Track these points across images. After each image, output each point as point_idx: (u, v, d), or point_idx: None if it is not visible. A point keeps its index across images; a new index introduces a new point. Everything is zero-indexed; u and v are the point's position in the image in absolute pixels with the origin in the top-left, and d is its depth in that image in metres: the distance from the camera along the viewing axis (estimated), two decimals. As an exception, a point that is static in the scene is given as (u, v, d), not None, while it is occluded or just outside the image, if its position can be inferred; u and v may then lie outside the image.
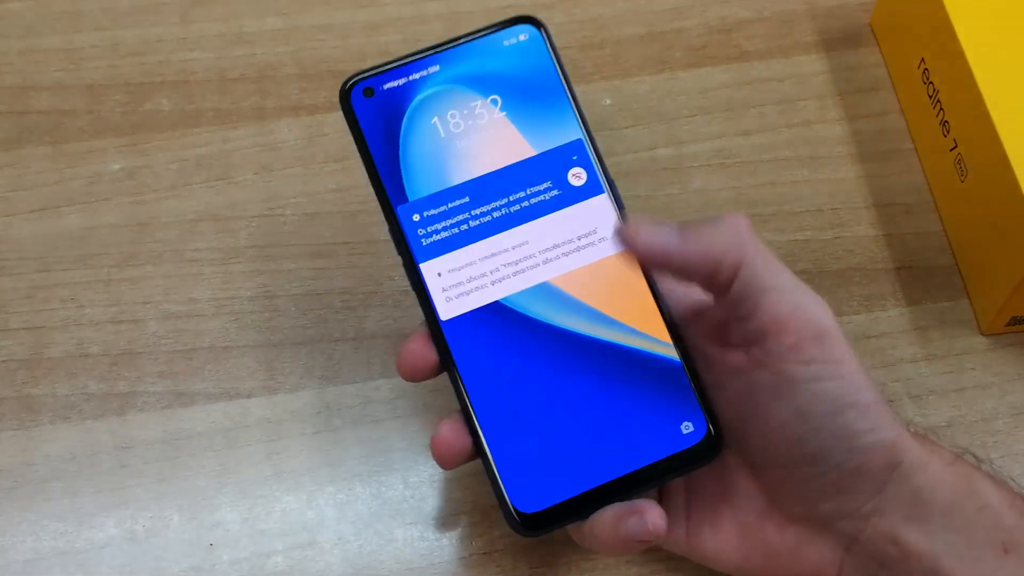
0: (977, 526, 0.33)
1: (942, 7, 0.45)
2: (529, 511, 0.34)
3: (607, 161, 0.50)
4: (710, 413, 0.35)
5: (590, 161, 0.37)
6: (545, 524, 0.34)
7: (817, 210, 0.48)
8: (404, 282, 0.46)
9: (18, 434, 0.43)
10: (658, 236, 0.34)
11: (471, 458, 0.35)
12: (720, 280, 0.34)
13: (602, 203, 0.37)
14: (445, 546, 0.41)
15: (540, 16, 0.54)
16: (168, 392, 0.44)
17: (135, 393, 0.44)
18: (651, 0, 0.55)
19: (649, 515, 0.33)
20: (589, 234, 0.36)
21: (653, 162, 0.50)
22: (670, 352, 0.36)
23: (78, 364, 0.45)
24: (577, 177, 0.37)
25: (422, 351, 0.36)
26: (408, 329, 0.45)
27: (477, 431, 0.35)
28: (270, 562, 0.41)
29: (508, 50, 0.37)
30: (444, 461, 0.35)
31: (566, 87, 0.37)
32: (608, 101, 0.52)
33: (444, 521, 0.41)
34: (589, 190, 0.37)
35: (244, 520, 0.42)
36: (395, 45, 0.53)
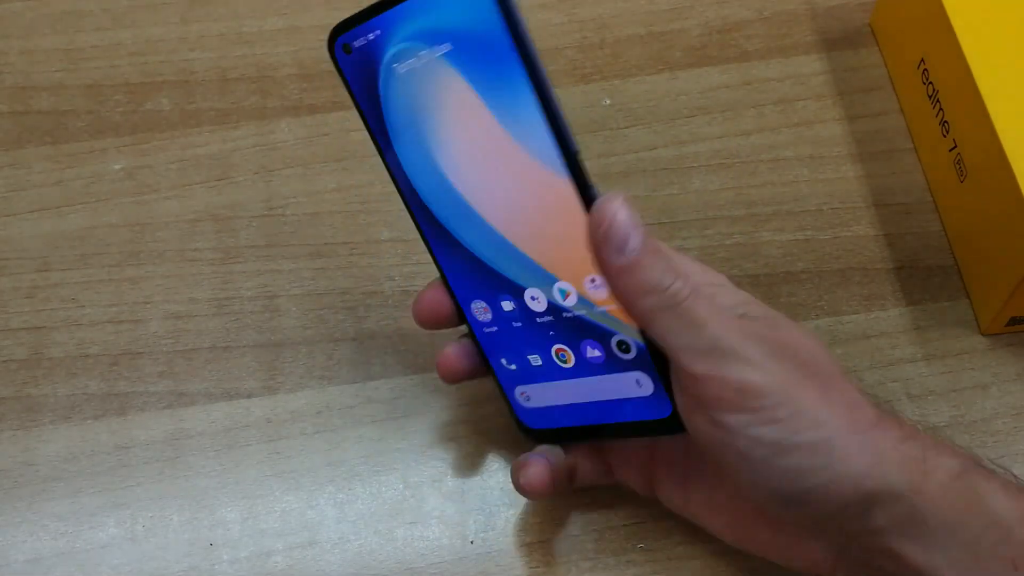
0: (984, 542, 0.32)
1: (941, 7, 0.45)
2: (531, 426, 0.39)
3: (608, 160, 0.50)
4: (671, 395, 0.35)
5: (549, 137, 0.33)
6: (542, 436, 0.39)
7: (817, 210, 0.49)
8: (404, 282, 0.46)
9: (19, 434, 0.44)
10: (610, 243, 0.32)
11: (471, 376, 0.39)
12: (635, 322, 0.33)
13: (566, 186, 0.33)
14: (445, 546, 0.41)
15: (540, 16, 0.54)
16: (168, 392, 0.44)
17: (135, 393, 0.44)
18: (651, 0, 0.55)
19: (527, 470, 0.37)
20: (558, 215, 0.34)
21: (653, 162, 0.50)
22: (637, 337, 0.35)
23: (78, 364, 0.45)
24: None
25: (439, 298, 0.38)
26: (408, 327, 0.45)
27: (486, 359, 0.39)
28: (270, 562, 0.41)
29: (462, 4, 0.33)
30: (449, 376, 0.39)
31: (520, 50, 0.33)
32: (608, 101, 0.52)
33: (444, 521, 0.42)
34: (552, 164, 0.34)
35: (244, 520, 0.42)
36: (395, 45, 0.53)
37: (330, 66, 0.53)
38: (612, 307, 0.35)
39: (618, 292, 0.32)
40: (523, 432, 0.40)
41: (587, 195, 0.33)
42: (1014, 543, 0.32)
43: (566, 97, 0.52)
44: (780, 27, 0.54)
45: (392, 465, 0.43)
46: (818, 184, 0.49)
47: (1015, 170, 0.41)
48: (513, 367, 0.38)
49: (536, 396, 0.39)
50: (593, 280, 0.35)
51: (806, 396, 0.32)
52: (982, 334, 0.45)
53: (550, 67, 0.53)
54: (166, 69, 0.53)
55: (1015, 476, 0.34)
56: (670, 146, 0.50)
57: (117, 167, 0.50)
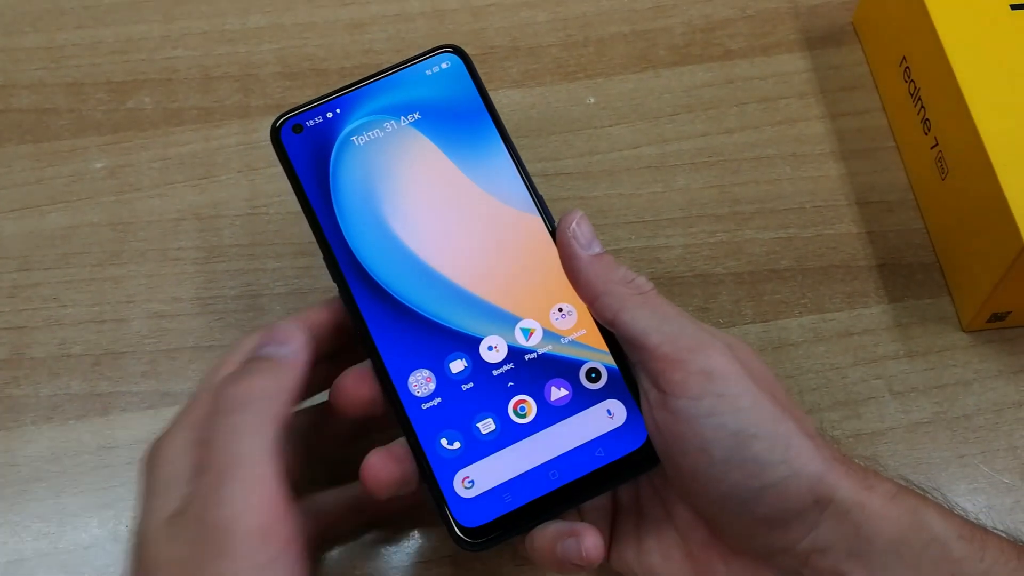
0: (924, 560, 0.32)
1: (923, 6, 0.46)
2: (472, 525, 0.34)
3: (592, 159, 0.50)
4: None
5: (519, 181, 0.37)
6: (489, 536, 0.34)
7: (800, 208, 0.49)
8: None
9: (0, 435, 0.43)
10: (578, 240, 0.35)
11: (404, 484, 0.35)
12: (601, 318, 0.35)
13: (534, 221, 0.37)
14: (434, 544, 0.41)
15: (524, 14, 0.54)
16: (152, 392, 0.44)
17: (118, 393, 0.44)
18: (634, -2, 0.55)
19: (586, 540, 0.33)
20: (522, 252, 0.37)
21: (637, 160, 0.50)
22: (608, 360, 0.36)
23: (60, 364, 0.45)
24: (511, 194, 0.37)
25: (361, 381, 0.36)
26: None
27: (421, 451, 0.34)
28: (255, 561, 0.41)
29: (431, 79, 0.38)
30: (379, 487, 0.34)
31: (488, 110, 0.37)
32: (592, 99, 0.52)
33: (431, 518, 0.41)
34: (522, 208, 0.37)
35: (229, 520, 0.41)
36: (379, 43, 0.53)
37: (314, 64, 0.53)
38: (580, 333, 0.36)
39: (589, 280, 0.35)
40: (463, 543, 0.34)
41: (552, 227, 0.37)
42: (951, 560, 0.32)
43: (550, 95, 0.52)
44: (763, 25, 0.54)
45: (377, 464, 0.43)
46: (801, 182, 0.49)
47: (996, 168, 0.41)
48: (456, 445, 0.35)
49: (484, 476, 0.34)
50: (560, 309, 0.36)
51: (760, 393, 0.33)
52: (964, 331, 0.46)
53: (534, 65, 0.53)
54: (148, 67, 0.53)
55: (944, 497, 0.35)
56: (654, 144, 0.51)
57: (99, 166, 0.50)
